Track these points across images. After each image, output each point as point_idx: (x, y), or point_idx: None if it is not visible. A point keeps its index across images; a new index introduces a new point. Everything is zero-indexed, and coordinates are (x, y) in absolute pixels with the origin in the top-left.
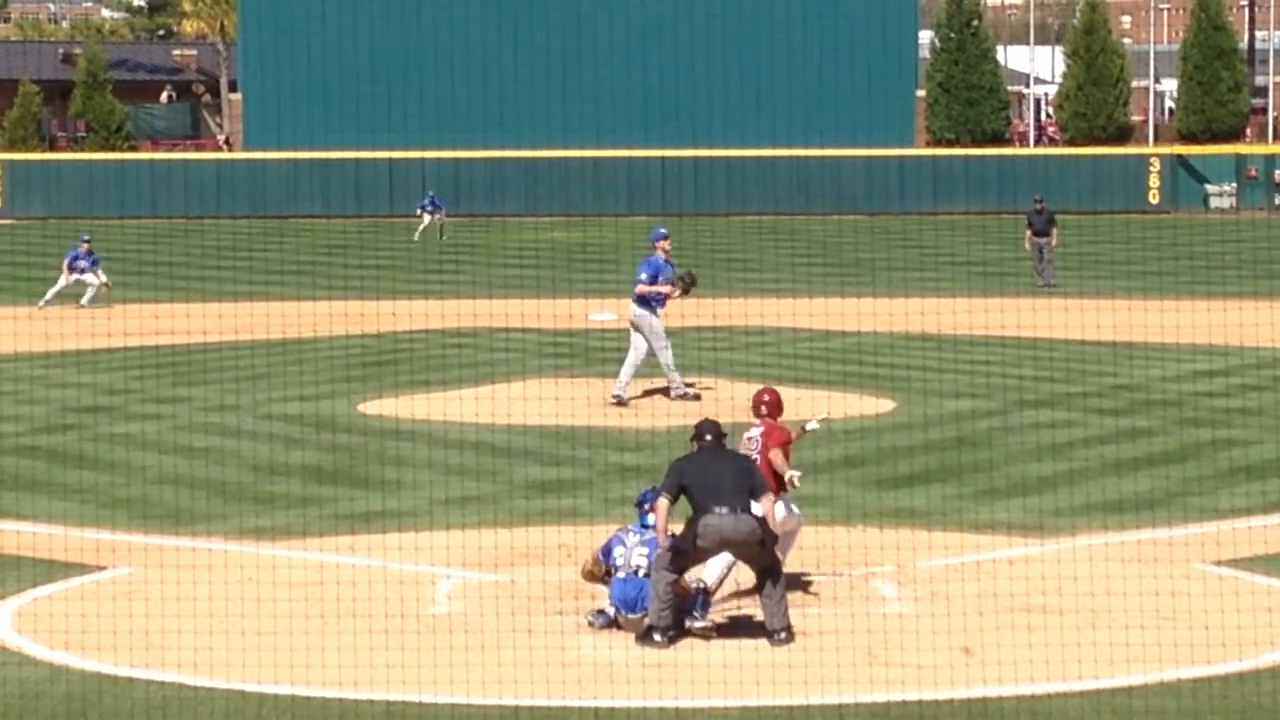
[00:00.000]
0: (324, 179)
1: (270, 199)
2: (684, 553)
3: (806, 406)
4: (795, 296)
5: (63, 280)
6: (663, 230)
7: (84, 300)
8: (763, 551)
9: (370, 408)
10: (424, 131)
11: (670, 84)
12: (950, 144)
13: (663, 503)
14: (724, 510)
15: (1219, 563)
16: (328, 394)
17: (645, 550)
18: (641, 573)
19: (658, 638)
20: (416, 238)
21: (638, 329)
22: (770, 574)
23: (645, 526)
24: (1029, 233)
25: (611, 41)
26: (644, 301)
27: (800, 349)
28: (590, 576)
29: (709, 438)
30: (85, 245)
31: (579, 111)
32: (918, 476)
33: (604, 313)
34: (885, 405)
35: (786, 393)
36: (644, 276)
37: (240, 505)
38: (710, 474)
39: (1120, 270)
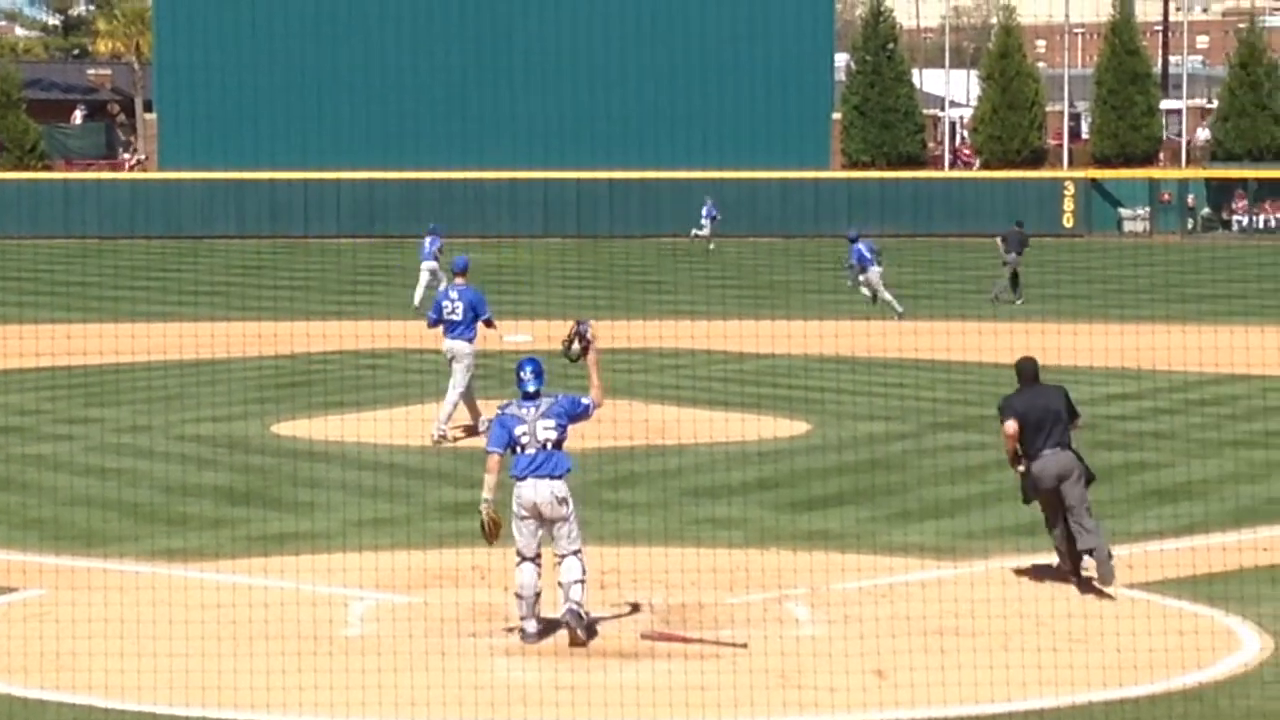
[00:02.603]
0: (239, 199)
1: (185, 219)
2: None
3: (720, 428)
4: (710, 319)
5: (425, 276)
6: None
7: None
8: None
9: (284, 429)
10: (339, 152)
11: (585, 106)
12: (866, 167)
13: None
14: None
15: (1131, 585)
16: (241, 415)
17: (551, 421)
18: (550, 445)
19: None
20: (711, 247)
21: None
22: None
23: (528, 396)
24: (1009, 252)
25: (527, 63)
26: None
27: (715, 371)
28: (495, 534)
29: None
30: (435, 237)
31: (495, 133)
32: (831, 499)
33: (519, 334)
34: (800, 428)
35: (700, 415)
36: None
37: (152, 526)
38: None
39: (1034, 294)
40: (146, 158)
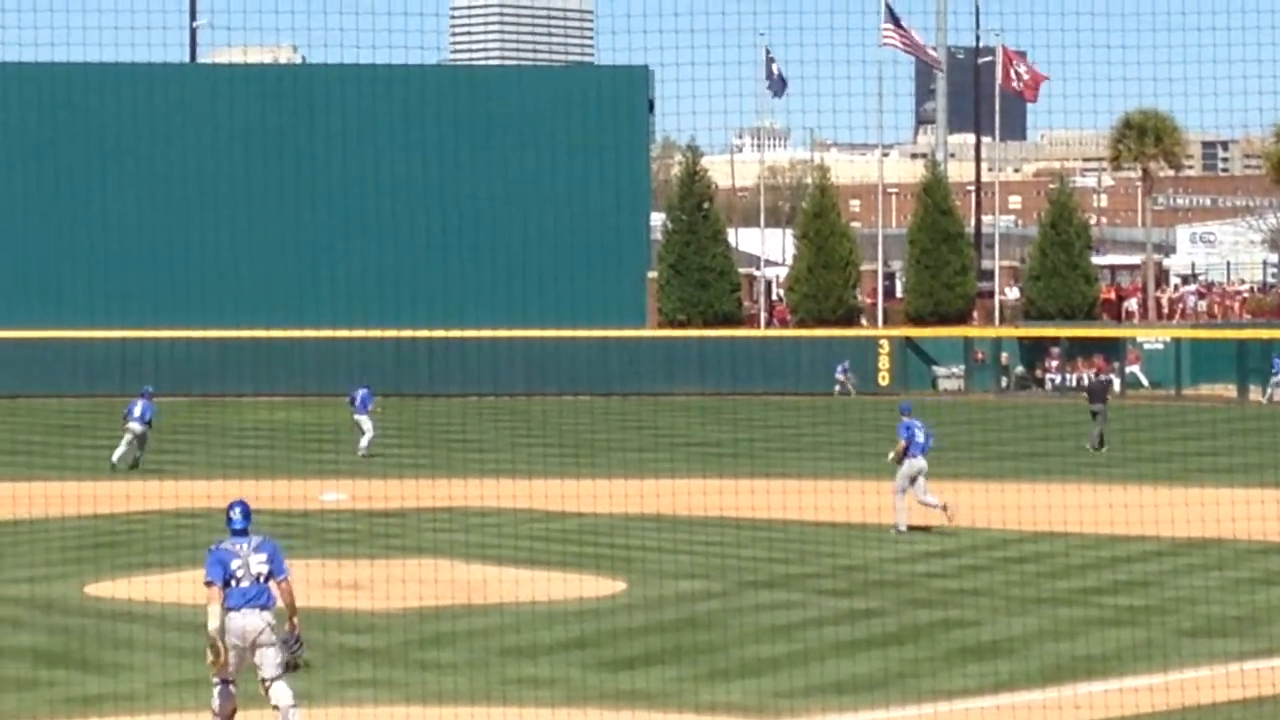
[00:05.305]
0: (53, 359)
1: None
2: None
3: (534, 587)
4: (525, 477)
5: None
6: None
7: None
8: None
9: (98, 589)
10: (154, 311)
11: (403, 264)
12: (682, 325)
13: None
14: None
15: None
16: (55, 575)
17: (263, 556)
18: (263, 579)
19: None
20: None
21: None
22: None
23: (238, 533)
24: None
25: (346, 221)
26: None
27: (531, 530)
28: (222, 663)
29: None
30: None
31: (313, 291)
32: (645, 658)
33: (335, 493)
34: (615, 586)
35: (514, 574)
36: None
37: None
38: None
39: (849, 451)
40: None
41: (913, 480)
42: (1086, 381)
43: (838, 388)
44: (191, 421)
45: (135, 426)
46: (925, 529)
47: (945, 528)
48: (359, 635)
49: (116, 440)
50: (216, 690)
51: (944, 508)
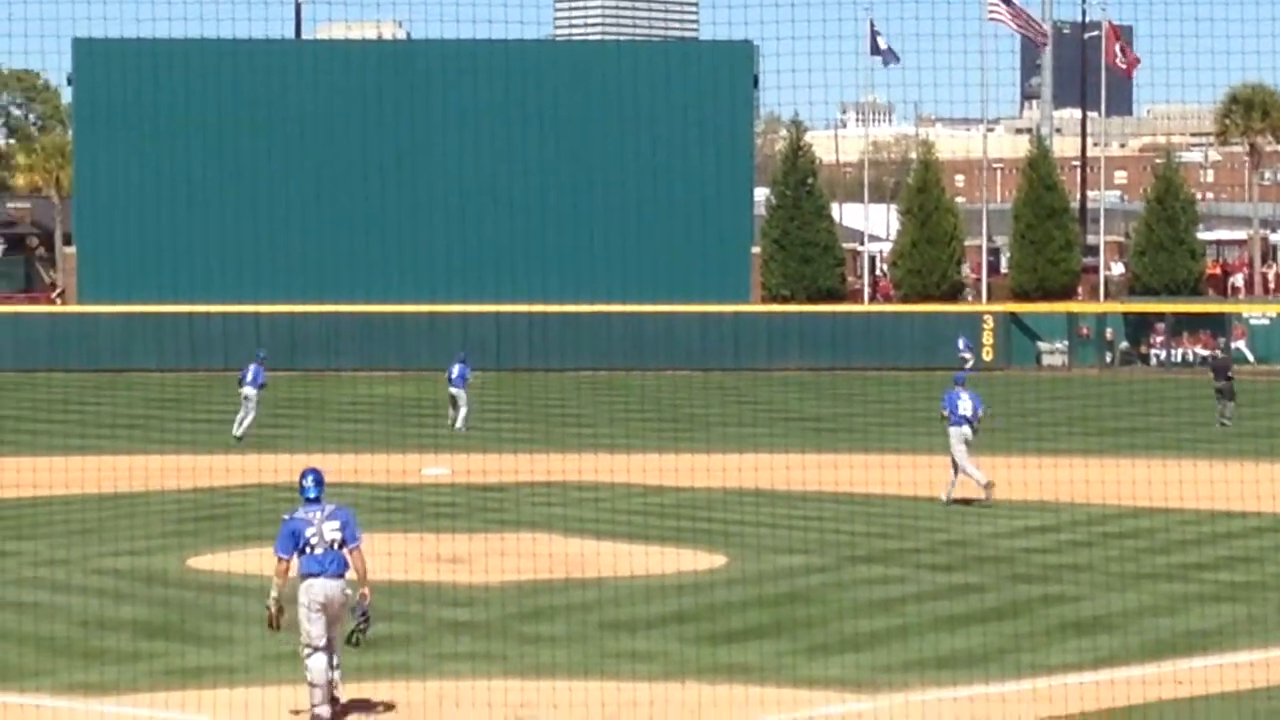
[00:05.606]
0: (158, 332)
1: (103, 352)
2: None
3: (637, 561)
4: (626, 452)
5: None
6: None
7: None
8: None
9: (200, 562)
10: (258, 285)
11: (505, 239)
12: (786, 300)
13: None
14: None
15: (1047, 719)
16: (158, 548)
17: (336, 524)
18: (336, 545)
19: None
20: (967, 367)
21: None
22: None
23: (311, 501)
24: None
25: (446, 196)
26: None
27: (633, 504)
28: (278, 623)
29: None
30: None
31: (414, 266)
32: (749, 632)
33: (438, 468)
34: (717, 561)
35: (617, 548)
36: None
37: (69, 660)
38: None
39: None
40: (65, 291)
41: (967, 443)
42: (1209, 358)
43: (968, 363)
44: (294, 396)
45: (249, 391)
46: (967, 502)
47: (1047, 503)
48: (460, 609)
49: (219, 415)
50: (310, 660)
51: (954, 485)
